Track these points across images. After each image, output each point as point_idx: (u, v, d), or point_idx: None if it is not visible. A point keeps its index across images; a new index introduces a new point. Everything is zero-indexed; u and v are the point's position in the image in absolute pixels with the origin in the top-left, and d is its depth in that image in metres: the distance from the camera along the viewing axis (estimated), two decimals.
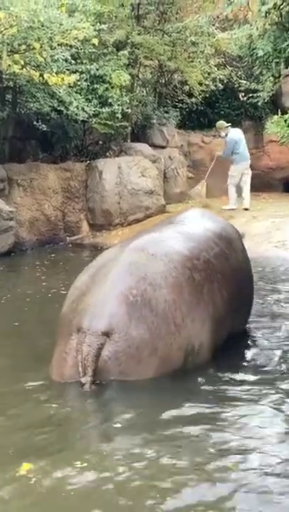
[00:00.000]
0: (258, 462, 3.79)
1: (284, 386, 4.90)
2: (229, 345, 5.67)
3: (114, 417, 4.45)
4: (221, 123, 13.97)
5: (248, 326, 6.46)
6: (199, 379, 5.01)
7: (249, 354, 5.78)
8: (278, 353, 5.69)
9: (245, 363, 5.57)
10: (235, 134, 13.70)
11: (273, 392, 4.80)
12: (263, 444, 4.00)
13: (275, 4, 6.31)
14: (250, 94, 11.09)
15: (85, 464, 3.85)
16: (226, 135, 13.66)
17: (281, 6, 6.45)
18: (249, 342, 6.10)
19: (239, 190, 13.28)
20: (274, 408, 4.51)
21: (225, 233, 6.12)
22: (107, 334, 4.72)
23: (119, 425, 4.33)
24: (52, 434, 4.28)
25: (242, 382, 4.99)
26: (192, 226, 5.94)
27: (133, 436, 4.22)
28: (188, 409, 4.54)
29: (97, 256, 5.64)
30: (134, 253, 5.20)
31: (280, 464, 3.77)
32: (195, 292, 5.24)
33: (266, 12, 6.43)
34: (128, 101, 13.03)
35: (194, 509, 3.38)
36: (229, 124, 13.94)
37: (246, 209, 12.86)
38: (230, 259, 5.89)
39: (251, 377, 5.11)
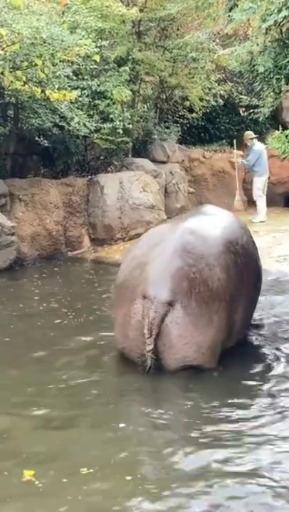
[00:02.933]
0: None
1: None
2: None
3: None
4: (249, 133, 14.56)
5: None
6: None
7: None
8: None
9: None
10: (261, 146, 14.16)
11: None
12: None
13: (275, 21, 6.34)
14: (251, 110, 11.12)
15: None
16: (251, 146, 14.24)
17: (282, 23, 6.50)
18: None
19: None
20: None
21: (243, 224, 7.13)
22: (170, 304, 5.56)
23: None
24: None
25: None
26: (220, 216, 6.83)
27: None
28: None
29: (150, 231, 6.85)
30: (187, 234, 6.03)
31: None
32: (238, 274, 6.10)
33: (266, 29, 6.47)
34: (129, 116, 13.09)
35: None
36: (256, 136, 14.49)
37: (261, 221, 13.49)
38: (252, 246, 6.84)
39: None
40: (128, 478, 4.05)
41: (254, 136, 14.44)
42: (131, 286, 5.83)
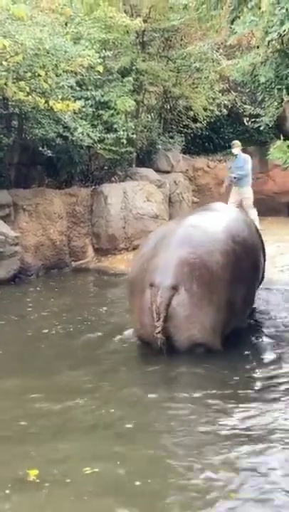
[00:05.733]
0: None
1: None
2: None
3: None
4: (238, 142, 14.31)
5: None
6: None
7: None
8: None
9: None
10: (247, 156, 14.06)
11: None
12: None
13: (278, 34, 6.37)
14: (254, 119, 11.15)
15: None
16: (239, 155, 13.99)
17: (283, 34, 6.52)
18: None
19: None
20: None
21: (248, 219, 7.93)
22: (175, 288, 6.12)
23: None
24: None
25: None
26: (225, 212, 7.61)
27: None
28: None
29: (156, 229, 7.61)
30: (189, 228, 6.69)
31: None
32: (238, 261, 6.63)
33: (269, 41, 6.50)
34: (133, 126, 13.13)
35: None
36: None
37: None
38: (255, 240, 7.49)
39: None
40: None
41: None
42: (140, 279, 6.44)
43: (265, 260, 8.03)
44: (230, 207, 8.49)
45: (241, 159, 13.82)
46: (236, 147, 14.01)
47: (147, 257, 6.57)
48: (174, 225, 7.05)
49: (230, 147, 15.24)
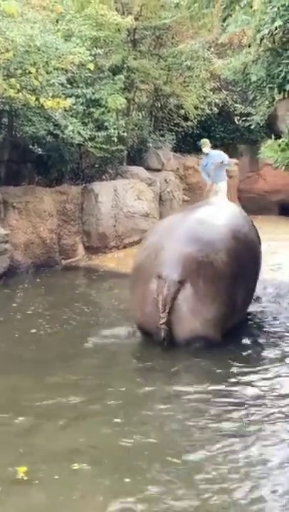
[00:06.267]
0: None
1: None
2: None
3: None
4: (207, 140, 13.95)
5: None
6: None
7: None
8: None
9: None
10: (220, 151, 13.87)
11: None
12: None
13: (270, 31, 6.36)
14: (245, 118, 11.16)
15: None
16: (209, 152, 13.67)
17: (275, 33, 6.51)
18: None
19: None
20: None
21: (245, 215, 8.13)
22: (181, 283, 6.43)
23: None
24: None
25: None
26: (226, 207, 8.05)
27: None
28: None
29: (162, 220, 8.18)
30: (196, 223, 7.00)
31: None
32: (240, 258, 6.93)
33: (261, 39, 6.49)
34: (124, 124, 13.08)
35: None
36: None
37: None
38: (253, 235, 7.78)
39: None
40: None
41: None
42: (147, 269, 6.71)
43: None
44: (229, 202, 8.90)
45: (215, 155, 13.58)
46: (206, 146, 13.70)
47: (154, 248, 6.82)
48: (182, 218, 7.31)
49: (221, 146, 15.21)
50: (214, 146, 16.56)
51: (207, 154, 13.60)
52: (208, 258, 6.61)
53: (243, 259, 7.09)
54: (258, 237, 8.10)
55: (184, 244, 6.67)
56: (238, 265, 6.89)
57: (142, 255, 7.08)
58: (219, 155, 13.58)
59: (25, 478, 4.06)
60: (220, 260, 6.68)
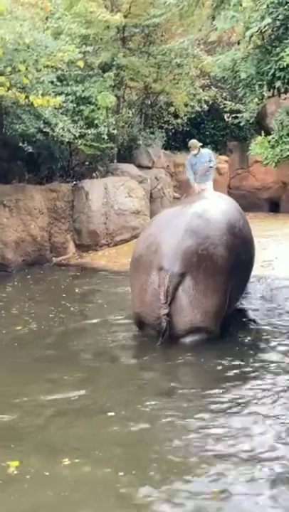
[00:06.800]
0: None
1: None
2: None
3: None
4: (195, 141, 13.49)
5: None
6: None
7: None
8: None
9: None
10: (209, 150, 13.70)
11: None
12: None
13: (259, 28, 6.39)
14: (235, 115, 11.19)
15: None
16: (200, 152, 13.21)
17: (264, 30, 6.54)
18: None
19: None
20: None
21: (239, 208, 8.30)
22: (182, 275, 6.61)
23: None
24: None
25: None
26: (222, 201, 8.16)
27: None
28: None
29: (162, 212, 8.04)
30: (196, 217, 7.09)
31: None
32: (236, 252, 7.12)
33: (250, 37, 6.51)
34: (114, 122, 13.09)
35: None
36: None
37: None
38: (247, 229, 7.99)
39: None
40: None
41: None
42: (148, 260, 6.86)
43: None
44: (223, 195, 8.99)
45: (205, 154, 13.43)
46: (195, 148, 13.10)
47: (155, 240, 6.96)
48: (181, 211, 7.43)
49: (211, 143, 15.17)
50: (204, 144, 16.64)
51: (196, 154, 13.27)
52: (208, 251, 6.79)
53: (239, 252, 7.26)
54: (250, 230, 8.30)
55: (185, 237, 6.81)
56: (234, 258, 7.07)
57: (141, 246, 7.20)
58: (209, 154, 13.44)
59: (15, 472, 4.10)
60: (219, 253, 6.87)
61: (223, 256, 6.91)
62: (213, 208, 7.62)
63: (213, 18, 7.40)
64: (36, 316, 8.24)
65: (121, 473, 4.12)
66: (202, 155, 13.15)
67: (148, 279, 6.77)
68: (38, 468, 4.19)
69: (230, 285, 7.03)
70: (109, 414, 5.09)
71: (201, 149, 13.22)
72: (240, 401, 5.34)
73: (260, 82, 6.52)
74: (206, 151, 13.40)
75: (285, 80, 6.39)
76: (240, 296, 7.96)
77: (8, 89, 9.86)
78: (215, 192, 9.07)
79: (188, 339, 6.80)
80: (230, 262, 6.97)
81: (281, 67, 6.22)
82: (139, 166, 14.78)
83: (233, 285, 7.17)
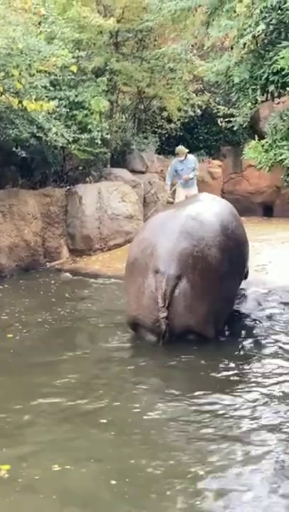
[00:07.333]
0: None
1: None
2: None
3: None
4: (182, 147, 13.47)
5: None
6: None
7: None
8: None
9: None
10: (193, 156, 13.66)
11: None
12: None
13: (253, 35, 6.40)
14: (228, 120, 11.20)
15: None
16: (187, 158, 13.23)
17: (257, 35, 6.55)
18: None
19: None
20: None
21: (233, 210, 8.32)
22: (179, 277, 6.66)
23: None
24: None
25: None
26: (215, 203, 8.23)
27: None
28: None
29: (156, 216, 7.95)
30: (190, 220, 7.15)
31: None
32: (229, 253, 7.20)
33: (244, 43, 6.52)
34: (107, 127, 13.09)
35: None
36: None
37: None
38: (240, 230, 8.04)
39: None
40: None
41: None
42: (143, 263, 6.88)
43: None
44: (217, 197, 9.14)
45: (191, 160, 13.29)
46: (183, 154, 13.11)
47: (150, 243, 6.98)
48: (174, 214, 7.49)
49: (204, 148, 15.13)
50: (197, 148, 16.68)
51: (183, 160, 13.22)
52: (203, 253, 6.85)
53: (232, 253, 7.34)
54: (244, 232, 8.36)
55: (179, 239, 6.85)
56: (228, 260, 7.14)
57: (136, 250, 7.22)
58: (195, 161, 13.42)
59: (6, 475, 4.10)
60: (213, 255, 6.93)
61: (217, 257, 6.98)
62: (207, 210, 7.67)
63: (208, 24, 7.41)
64: (26, 322, 8.20)
65: (113, 482, 4.09)
66: (188, 161, 13.19)
67: (144, 282, 6.80)
68: (29, 473, 4.19)
69: (224, 286, 7.11)
70: (102, 420, 5.07)
71: (188, 155, 13.26)
72: (235, 406, 5.33)
73: (253, 87, 6.53)
74: (192, 158, 13.44)
75: (278, 84, 6.40)
76: (235, 297, 8.03)
77: (2, 94, 9.83)
78: (209, 194, 9.02)
79: (185, 340, 6.83)
80: (224, 263, 7.04)
81: (274, 71, 6.23)
82: (133, 171, 14.77)
83: (228, 286, 7.29)
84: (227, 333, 7.41)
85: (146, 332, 7.00)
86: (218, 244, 7.09)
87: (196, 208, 7.75)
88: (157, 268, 6.71)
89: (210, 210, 7.71)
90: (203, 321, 6.84)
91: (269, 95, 6.79)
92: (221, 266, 7.00)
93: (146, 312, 6.80)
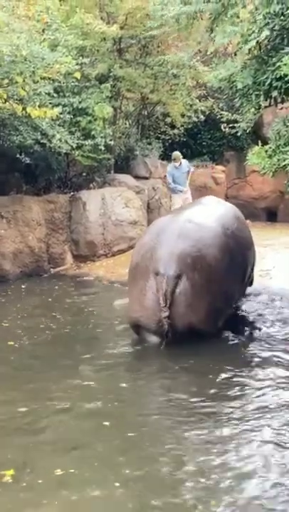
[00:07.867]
0: None
1: None
2: None
3: None
4: (178, 153, 13.72)
5: None
6: None
7: None
8: None
9: None
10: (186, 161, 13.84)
11: None
12: None
13: (257, 41, 6.42)
14: (232, 125, 11.21)
15: None
16: (182, 164, 13.52)
17: (261, 41, 6.57)
18: None
19: None
20: None
21: (237, 213, 8.50)
22: (178, 278, 6.77)
23: None
24: None
25: None
26: (219, 206, 8.37)
27: None
28: None
29: (156, 221, 7.98)
30: (186, 222, 7.33)
31: None
32: (230, 254, 7.32)
33: (249, 50, 6.55)
34: (111, 133, 13.12)
35: None
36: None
37: None
38: (244, 232, 8.20)
39: None
40: None
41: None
42: (144, 266, 7.04)
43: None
44: (222, 201, 9.25)
45: (185, 166, 13.50)
46: (179, 160, 13.40)
47: (150, 247, 7.13)
48: (172, 218, 7.68)
49: (207, 153, 15.14)
50: (200, 154, 16.72)
51: (178, 167, 13.39)
52: (202, 253, 6.97)
53: (234, 254, 7.45)
54: (249, 234, 8.51)
55: (178, 241, 6.99)
56: (229, 260, 7.27)
57: (137, 255, 7.38)
58: (188, 165, 13.64)
59: (10, 481, 4.11)
60: (212, 254, 7.05)
61: (217, 257, 7.11)
62: (207, 212, 7.81)
63: (212, 30, 7.44)
64: (28, 327, 8.22)
65: (117, 484, 4.09)
66: (182, 166, 13.42)
67: (146, 284, 6.93)
68: (33, 478, 4.20)
69: (227, 285, 7.27)
70: (105, 422, 5.08)
71: (182, 161, 13.43)
72: (237, 412, 5.32)
73: (256, 92, 6.56)
74: (185, 162, 13.65)
75: (282, 90, 6.42)
76: (236, 298, 8.14)
77: (6, 100, 9.90)
78: (214, 198, 9.17)
79: (188, 344, 6.81)
80: (224, 263, 7.16)
81: (278, 76, 6.26)
82: (136, 177, 14.79)
83: (231, 285, 7.46)
84: (230, 337, 7.40)
85: (148, 334, 7.08)
86: (218, 245, 7.22)
87: (194, 211, 7.92)
88: (157, 270, 6.85)
89: (211, 213, 7.84)
90: (204, 318, 6.95)
91: (272, 101, 6.81)
92: (222, 265, 7.12)
93: (149, 313, 6.91)
